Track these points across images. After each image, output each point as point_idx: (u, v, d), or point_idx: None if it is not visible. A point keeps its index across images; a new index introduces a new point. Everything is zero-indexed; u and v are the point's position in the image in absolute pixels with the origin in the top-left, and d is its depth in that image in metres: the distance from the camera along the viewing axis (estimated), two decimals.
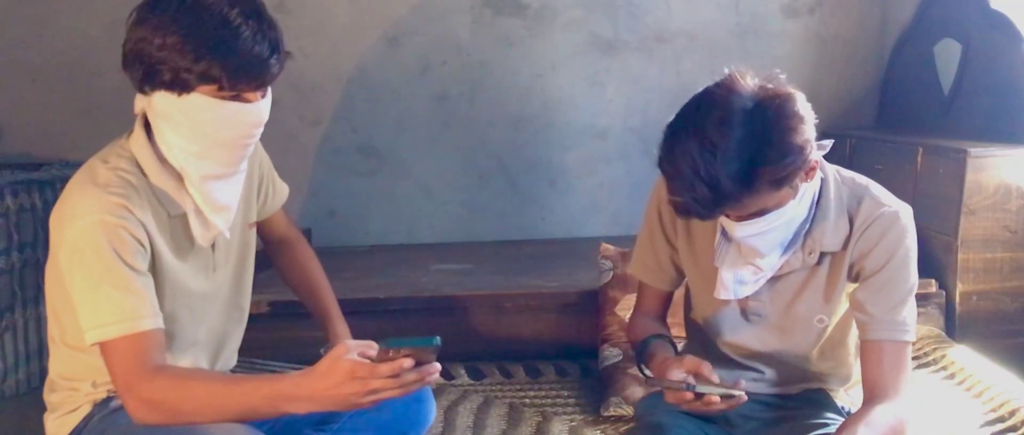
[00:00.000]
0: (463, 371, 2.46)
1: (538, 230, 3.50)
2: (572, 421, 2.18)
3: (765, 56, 3.32)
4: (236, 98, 1.42)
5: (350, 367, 1.30)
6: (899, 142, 2.83)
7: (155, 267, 1.48)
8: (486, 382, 2.43)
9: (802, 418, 1.60)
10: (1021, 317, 2.51)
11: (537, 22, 3.41)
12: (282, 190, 1.86)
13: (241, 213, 1.66)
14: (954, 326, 2.49)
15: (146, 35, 1.39)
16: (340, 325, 1.83)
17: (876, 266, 1.52)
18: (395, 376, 1.30)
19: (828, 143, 1.53)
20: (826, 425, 1.56)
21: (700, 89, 1.45)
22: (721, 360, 1.70)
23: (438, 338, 1.32)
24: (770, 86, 1.39)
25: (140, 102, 1.49)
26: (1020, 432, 1.89)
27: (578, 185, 3.50)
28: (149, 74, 1.41)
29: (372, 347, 1.33)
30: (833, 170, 1.57)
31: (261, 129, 1.49)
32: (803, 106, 1.40)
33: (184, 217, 1.52)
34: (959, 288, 2.48)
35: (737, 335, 1.65)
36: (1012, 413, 1.95)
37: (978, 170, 2.43)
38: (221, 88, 1.40)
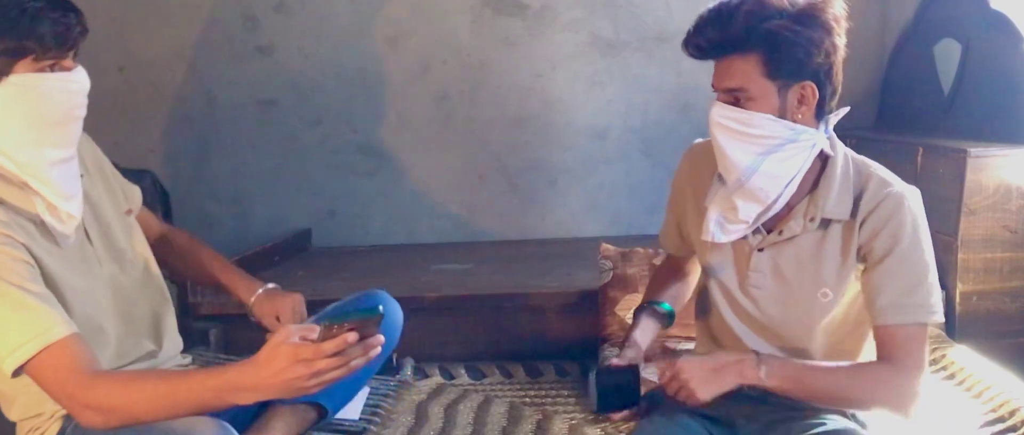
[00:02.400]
0: (463, 371, 2.46)
1: (538, 230, 3.50)
2: (572, 420, 2.18)
3: None
4: (54, 67, 1.43)
5: (293, 351, 1.28)
6: (899, 142, 2.83)
7: (45, 277, 1.45)
8: (486, 382, 2.43)
9: (804, 418, 1.59)
10: (1021, 317, 2.51)
11: (537, 22, 3.41)
12: (134, 189, 1.84)
13: (109, 204, 1.68)
14: (954, 326, 2.49)
15: None
16: (247, 281, 1.85)
17: (884, 251, 1.53)
18: (340, 354, 1.27)
19: (844, 110, 1.58)
20: (823, 424, 1.55)
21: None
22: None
23: (381, 307, 1.29)
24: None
25: None
26: (1020, 432, 1.89)
27: (578, 185, 3.50)
28: None
29: (313, 330, 1.30)
30: (845, 149, 1.61)
31: (86, 99, 1.50)
32: (838, 29, 1.49)
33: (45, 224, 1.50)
34: (959, 288, 2.48)
35: (739, 308, 1.66)
36: (1012, 413, 1.94)
37: (978, 170, 2.43)
38: (37, 58, 1.41)
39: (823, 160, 1.58)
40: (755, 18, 1.46)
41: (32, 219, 1.47)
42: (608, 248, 2.54)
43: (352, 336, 1.27)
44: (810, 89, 1.50)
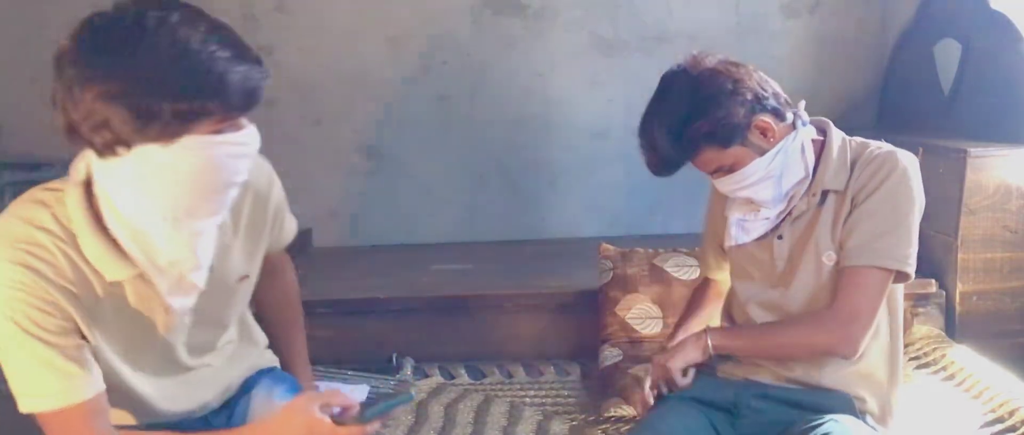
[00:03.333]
0: (463, 371, 2.46)
1: (538, 230, 3.50)
2: (573, 420, 2.18)
3: (765, 56, 3.30)
4: (230, 127, 1.25)
5: (307, 422, 1.26)
6: (899, 142, 2.78)
7: (96, 354, 1.32)
8: (486, 382, 2.43)
9: (810, 414, 1.58)
10: (1021, 317, 2.51)
11: (537, 22, 3.41)
12: (290, 227, 1.66)
13: (238, 265, 1.47)
14: (954, 326, 2.49)
15: (117, 87, 1.15)
16: (303, 372, 1.70)
17: (865, 195, 1.58)
18: None
19: (801, 103, 1.64)
20: (823, 419, 1.55)
21: None
22: None
23: (414, 391, 1.31)
24: (706, 60, 1.56)
25: (81, 172, 1.32)
26: (1020, 432, 1.89)
27: (578, 185, 3.50)
28: (121, 135, 1.18)
29: (336, 395, 1.29)
30: (842, 134, 1.67)
31: (252, 162, 1.31)
32: (730, 77, 1.54)
33: (122, 284, 1.32)
34: (959, 288, 2.48)
35: (769, 303, 1.68)
36: (1012, 413, 1.95)
37: (978, 170, 2.43)
38: (220, 120, 1.21)
39: (820, 143, 1.65)
40: (676, 135, 1.53)
41: (108, 272, 1.30)
42: (608, 248, 2.55)
43: (373, 427, 1.28)
44: (761, 121, 1.56)
